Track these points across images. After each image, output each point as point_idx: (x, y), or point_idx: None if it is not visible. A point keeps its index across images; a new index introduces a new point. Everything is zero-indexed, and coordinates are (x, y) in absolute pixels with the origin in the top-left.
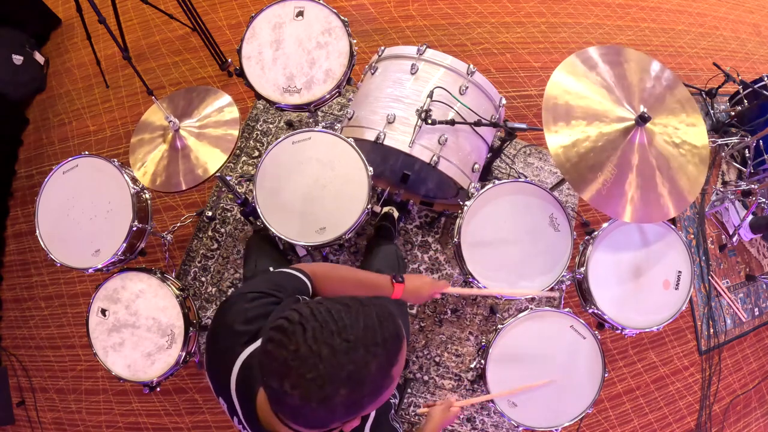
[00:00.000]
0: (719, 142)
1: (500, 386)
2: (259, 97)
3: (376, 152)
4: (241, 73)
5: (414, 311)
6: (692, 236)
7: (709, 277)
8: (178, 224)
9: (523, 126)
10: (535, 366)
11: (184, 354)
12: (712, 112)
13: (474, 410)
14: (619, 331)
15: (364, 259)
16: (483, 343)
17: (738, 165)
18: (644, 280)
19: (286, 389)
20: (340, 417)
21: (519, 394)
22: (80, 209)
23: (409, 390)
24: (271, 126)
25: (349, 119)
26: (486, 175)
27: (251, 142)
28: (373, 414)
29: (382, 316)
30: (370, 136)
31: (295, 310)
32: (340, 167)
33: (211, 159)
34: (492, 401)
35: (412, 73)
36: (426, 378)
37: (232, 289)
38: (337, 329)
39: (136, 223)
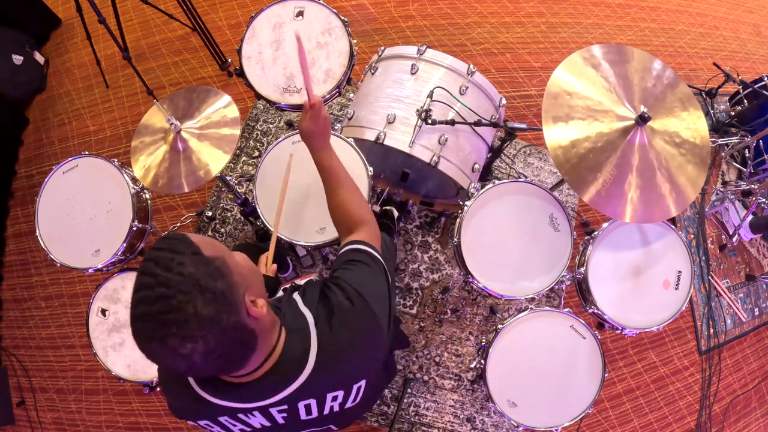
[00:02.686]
0: (719, 142)
1: (500, 386)
2: (259, 97)
3: (376, 152)
4: (241, 73)
5: (414, 311)
6: (692, 236)
7: (709, 277)
8: (178, 224)
9: (523, 126)
10: (535, 366)
11: None
12: (712, 112)
13: (474, 410)
14: (619, 331)
15: None
16: (483, 343)
17: (738, 165)
18: (644, 280)
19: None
20: (221, 309)
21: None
22: (80, 209)
23: (409, 390)
24: (271, 126)
25: (349, 119)
26: (486, 175)
27: (251, 142)
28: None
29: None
30: (371, 136)
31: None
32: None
33: (212, 160)
34: (492, 402)
35: (413, 73)
36: (426, 378)
37: None
38: (149, 285)
39: (136, 223)
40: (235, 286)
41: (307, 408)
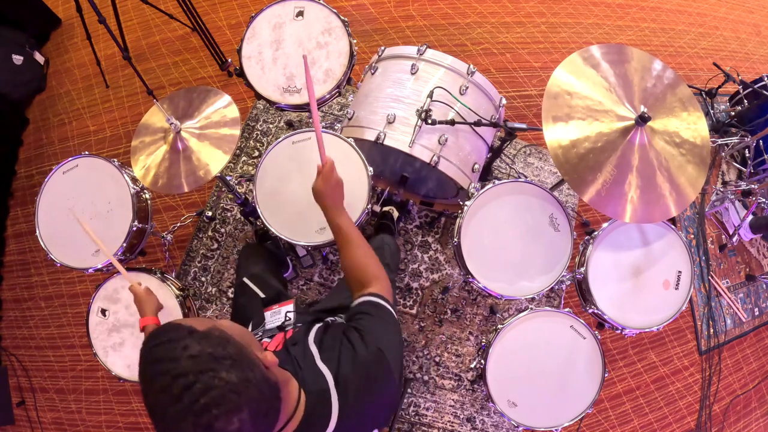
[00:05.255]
0: (719, 142)
1: (500, 386)
2: (259, 97)
3: (376, 152)
4: (241, 73)
5: (414, 311)
6: (692, 236)
7: (709, 277)
8: (178, 224)
9: (523, 126)
10: (536, 366)
11: None
12: (712, 112)
13: (474, 410)
14: (619, 331)
15: None
16: (483, 343)
17: (738, 165)
18: (644, 280)
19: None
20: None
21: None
22: (80, 209)
23: (409, 390)
24: (271, 126)
25: (349, 119)
26: (486, 175)
27: (251, 142)
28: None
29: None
30: (370, 136)
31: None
32: (340, 167)
33: (212, 160)
34: (492, 402)
35: (413, 73)
36: (426, 378)
37: (232, 289)
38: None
39: (136, 223)
40: (242, 345)
41: None
